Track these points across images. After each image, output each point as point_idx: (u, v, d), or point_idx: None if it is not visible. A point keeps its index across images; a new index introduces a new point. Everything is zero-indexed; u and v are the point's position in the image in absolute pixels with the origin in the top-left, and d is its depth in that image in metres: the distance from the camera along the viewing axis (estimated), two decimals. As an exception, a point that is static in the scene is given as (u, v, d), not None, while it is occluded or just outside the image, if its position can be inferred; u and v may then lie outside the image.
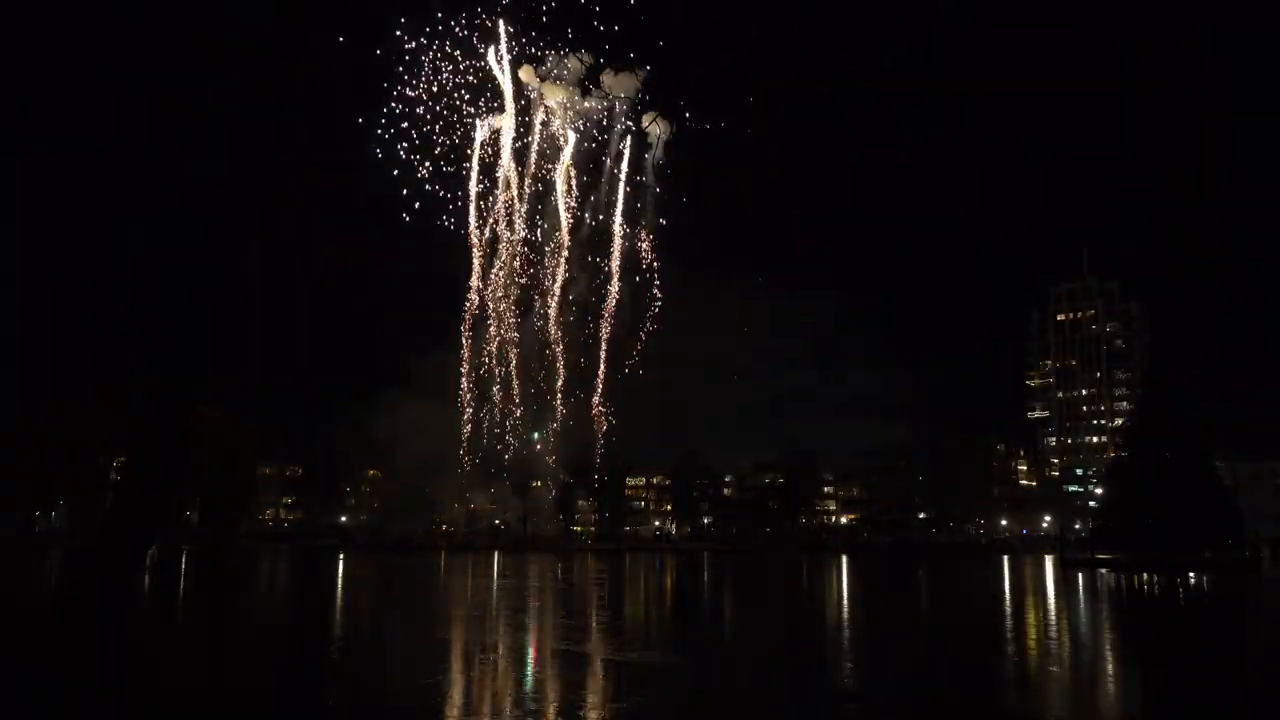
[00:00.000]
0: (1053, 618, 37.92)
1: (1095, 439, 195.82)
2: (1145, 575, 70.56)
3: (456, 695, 19.57)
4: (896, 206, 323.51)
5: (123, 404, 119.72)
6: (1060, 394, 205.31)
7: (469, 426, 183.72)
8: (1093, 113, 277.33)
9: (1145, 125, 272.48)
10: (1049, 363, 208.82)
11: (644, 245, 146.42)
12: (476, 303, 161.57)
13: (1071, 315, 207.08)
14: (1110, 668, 24.83)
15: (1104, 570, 78.53)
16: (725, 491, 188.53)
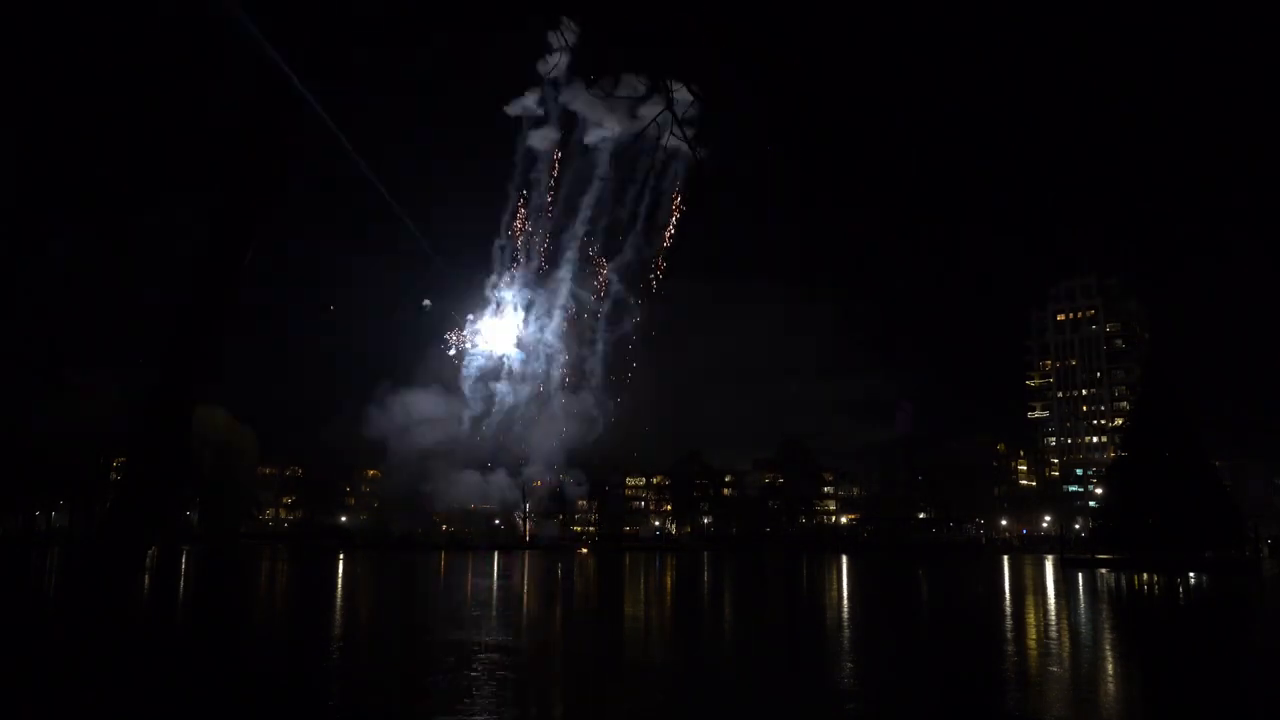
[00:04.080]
0: (1053, 617, 37.92)
1: (1095, 439, 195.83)
2: (1145, 575, 70.56)
3: (457, 695, 19.56)
4: (897, 207, 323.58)
5: (123, 404, 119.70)
6: (1060, 394, 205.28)
7: (470, 426, 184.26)
8: (1093, 112, 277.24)
9: (1145, 124, 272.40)
10: (1049, 363, 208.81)
11: (657, 254, 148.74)
12: (491, 303, 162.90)
13: (1071, 315, 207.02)
14: (1110, 667, 24.83)
15: (1104, 570, 78.54)
16: (725, 491, 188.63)
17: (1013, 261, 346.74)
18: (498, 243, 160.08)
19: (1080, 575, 70.29)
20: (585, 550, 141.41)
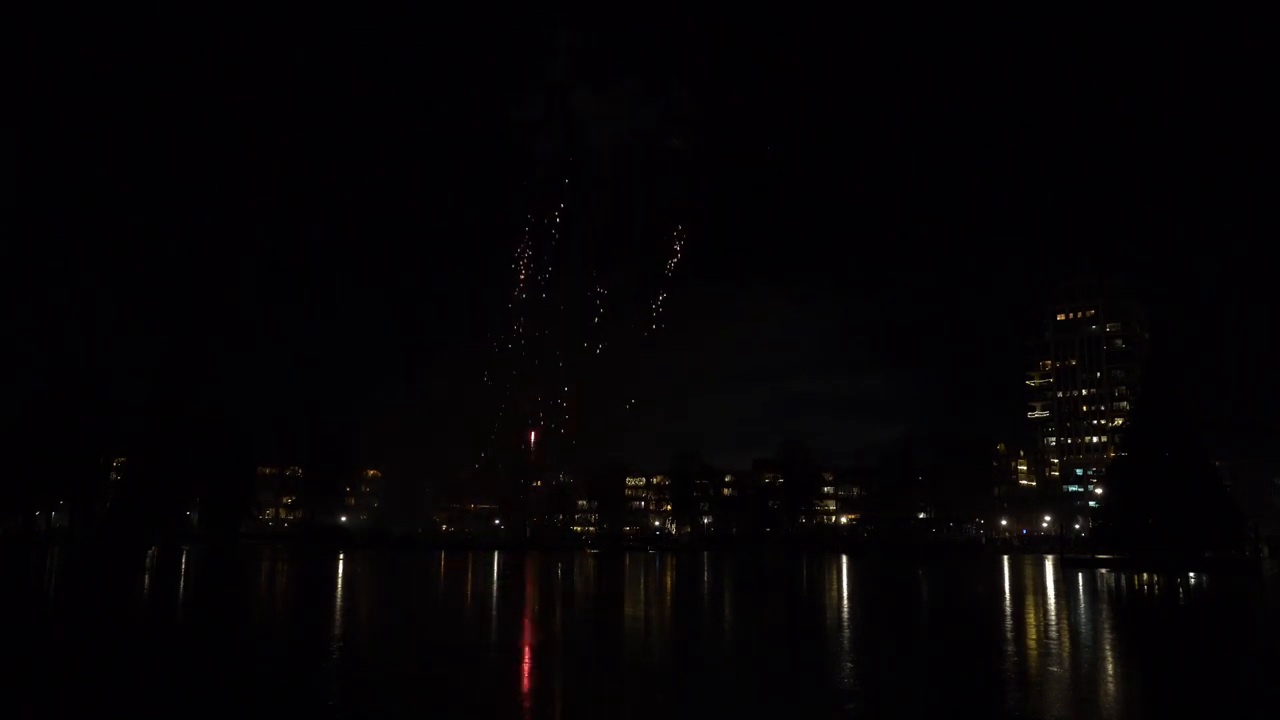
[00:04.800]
0: (1053, 617, 37.92)
1: (1095, 439, 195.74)
2: (1145, 575, 70.55)
3: (457, 695, 19.57)
4: (898, 208, 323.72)
5: (123, 404, 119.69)
6: (1060, 394, 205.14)
7: (472, 426, 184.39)
8: (1093, 112, 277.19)
9: (1145, 124, 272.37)
10: (1049, 363, 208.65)
11: (659, 256, 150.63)
12: (515, 312, 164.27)
13: (1071, 315, 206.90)
14: (1110, 667, 24.83)
15: (1104, 570, 78.51)
16: (725, 491, 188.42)
17: (1013, 261, 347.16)
18: (506, 247, 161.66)
19: (1080, 575, 70.28)
20: (593, 550, 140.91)
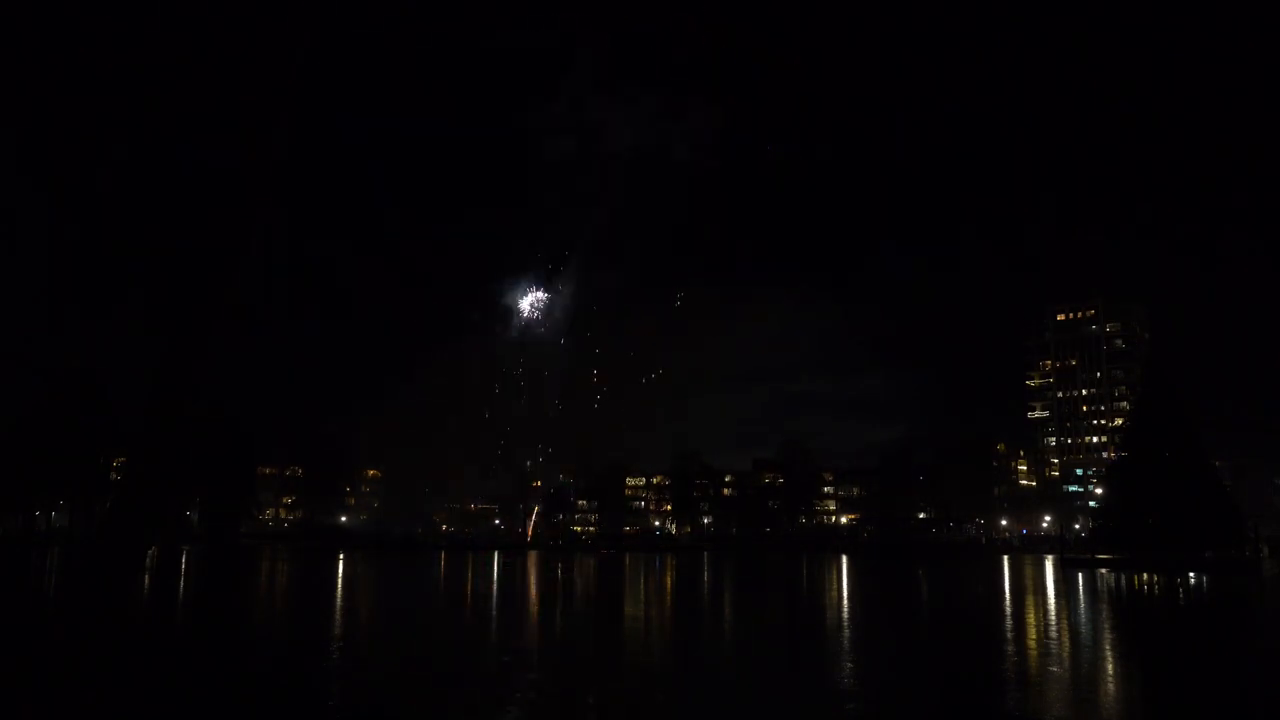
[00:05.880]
0: (1053, 617, 37.92)
1: (1095, 439, 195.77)
2: (1145, 575, 70.55)
3: (456, 695, 19.57)
4: (897, 209, 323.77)
5: (123, 404, 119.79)
6: (1060, 394, 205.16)
7: (472, 426, 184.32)
8: (1092, 113, 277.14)
9: (1145, 124, 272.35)
10: (1049, 363, 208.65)
11: (663, 254, 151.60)
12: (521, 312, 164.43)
13: (1071, 315, 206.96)
14: (1110, 667, 24.83)
15: (1104, 570, 78.51)
16: (725, 491, 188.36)
17: (1013, 261, 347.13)
18: (510, 250, 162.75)
19: (1080, 575, 70.28)
20: (607, 550, 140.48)
